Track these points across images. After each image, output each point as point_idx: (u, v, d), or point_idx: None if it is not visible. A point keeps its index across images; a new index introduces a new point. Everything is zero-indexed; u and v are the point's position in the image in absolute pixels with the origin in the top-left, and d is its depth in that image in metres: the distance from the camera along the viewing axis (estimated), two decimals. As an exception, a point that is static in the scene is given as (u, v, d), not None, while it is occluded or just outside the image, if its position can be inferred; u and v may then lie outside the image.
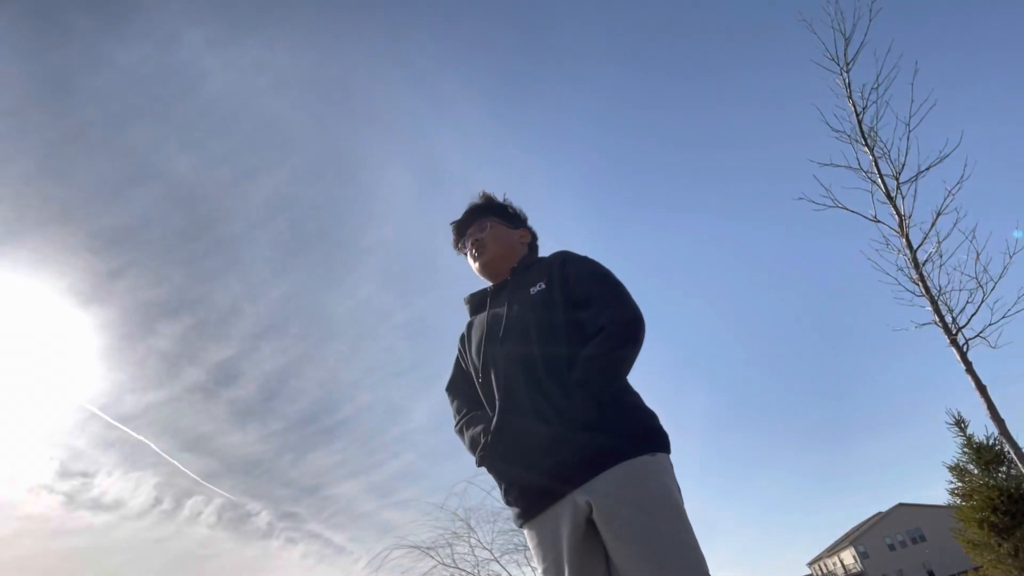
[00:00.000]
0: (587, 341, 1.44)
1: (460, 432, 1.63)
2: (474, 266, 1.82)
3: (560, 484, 1.36)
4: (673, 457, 1.44)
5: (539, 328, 1.50)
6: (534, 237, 1.92)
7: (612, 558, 1.32)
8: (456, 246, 1.91)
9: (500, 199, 1.89)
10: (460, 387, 1.74)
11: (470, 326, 1.78)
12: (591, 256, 1.65)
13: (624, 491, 1.30)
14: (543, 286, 1.57)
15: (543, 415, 1.39)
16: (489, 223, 1.82)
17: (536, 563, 1.45)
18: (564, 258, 1.64)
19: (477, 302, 1.79)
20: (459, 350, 1.80)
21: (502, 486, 1.50)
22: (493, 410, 1.53)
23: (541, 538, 1.42)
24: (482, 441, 1.49)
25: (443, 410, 1.78)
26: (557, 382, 1.41)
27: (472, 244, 1.81)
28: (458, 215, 1.88)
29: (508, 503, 1.50)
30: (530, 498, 1.43)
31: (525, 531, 1.48)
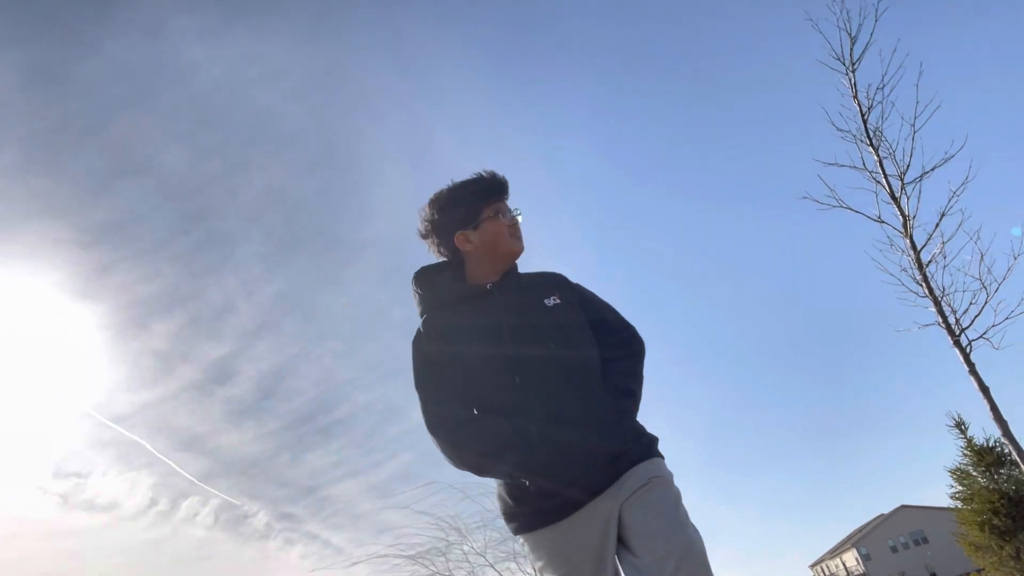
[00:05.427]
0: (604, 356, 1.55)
1: (467, 439, 1.42)
2: (501, 244, 1.55)
3: (591, 491, 1.36)
4: (673, 456, 1.56)
5: (575, 338, 1.52)
6: None
7: (635, 539, 1.32)
8: (487, 208, 1.56)
9: None
10: (444, 388, 1.50)
11: (448, 317, 1.55)
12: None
13: (651, 478, 1.37)
14: (558, 300, 1.56)
15: (586, 424, 1.40)
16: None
17: (546, 571, 1.40)
18: (567, 280, 1.66)
19: (463, 295, 1.57)
20: (436, 345, 1.52)
21: (521, 494, 1.40)
22: (510, 415, 1.40)
23: (561, 545, 1.37)
24: (518, 451, 1.36)
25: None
26: (597, 391, 1.46)
27: (511, 224, 1.58)
28: (496, 172, 1.59)
29: (522, 512, 1.41)
30: (556, 506, 1.37)
31: (532, 538, 1.41)
